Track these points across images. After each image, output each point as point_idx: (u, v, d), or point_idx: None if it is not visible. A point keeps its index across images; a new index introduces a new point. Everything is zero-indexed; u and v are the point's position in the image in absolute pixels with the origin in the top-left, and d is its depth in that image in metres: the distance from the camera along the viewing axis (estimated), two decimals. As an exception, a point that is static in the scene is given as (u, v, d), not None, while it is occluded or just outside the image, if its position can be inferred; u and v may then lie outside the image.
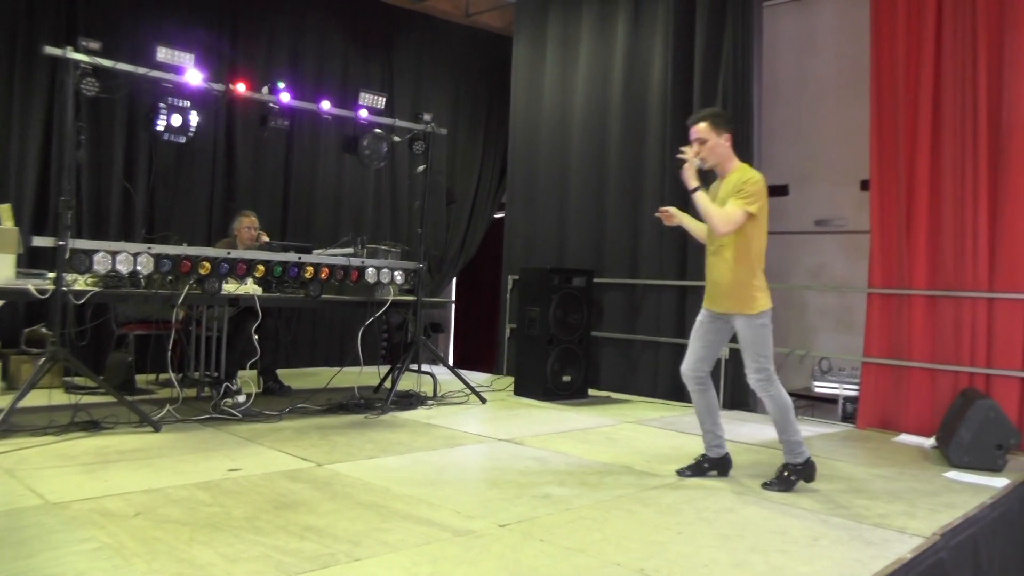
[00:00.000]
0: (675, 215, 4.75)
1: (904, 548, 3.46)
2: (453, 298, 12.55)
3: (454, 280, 12.05)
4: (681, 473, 4.74)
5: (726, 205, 4.40)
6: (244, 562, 2.97)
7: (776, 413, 4.46)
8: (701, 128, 4.53)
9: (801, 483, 4.49)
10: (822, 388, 7.45)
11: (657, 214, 4.84)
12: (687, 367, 4.69)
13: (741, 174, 4.48)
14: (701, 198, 4.41)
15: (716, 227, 4.39)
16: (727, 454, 4.80)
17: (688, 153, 4.50)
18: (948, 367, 6.22)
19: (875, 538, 3.61)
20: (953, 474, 5.00)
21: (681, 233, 7.97)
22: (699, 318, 4.69)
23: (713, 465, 4.76)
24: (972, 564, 3.89)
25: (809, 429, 6.59)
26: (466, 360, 12.21)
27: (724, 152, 4.55)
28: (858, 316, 7.48)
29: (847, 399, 7.26)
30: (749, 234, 4.42)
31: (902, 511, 4.08)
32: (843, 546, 3.48)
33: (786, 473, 4.49)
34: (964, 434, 5.19)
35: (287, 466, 4.53)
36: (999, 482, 4.79)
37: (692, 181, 4.44)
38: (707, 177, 4.62)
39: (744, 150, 7.51)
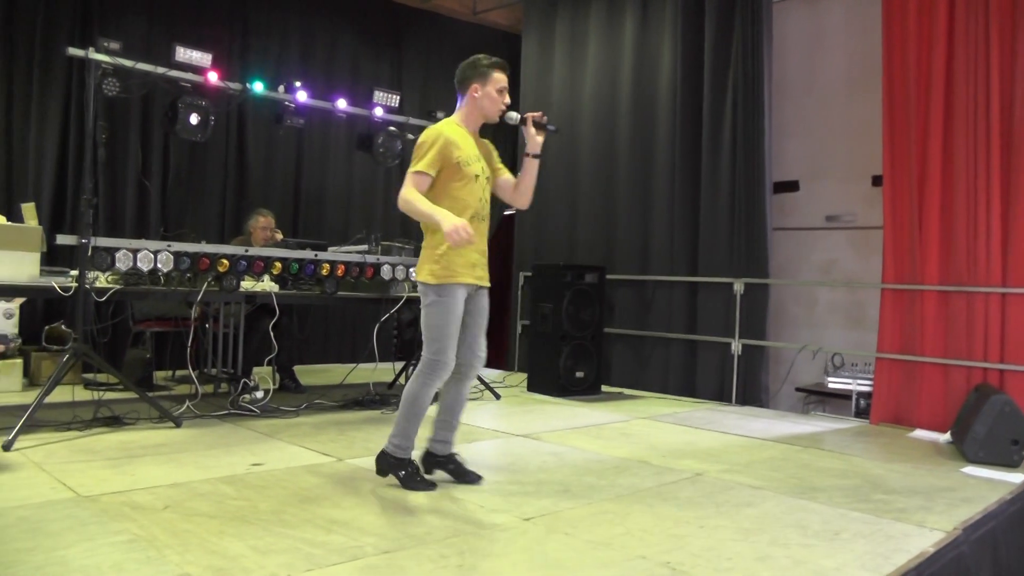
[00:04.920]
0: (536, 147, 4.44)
1: (925, 542, 3.48)
2: (463, 295, 12.49)
3: (464, 277, 12.00)
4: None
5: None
6: (274, 554, 3.01)
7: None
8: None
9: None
10: (835, 384, 7.47)
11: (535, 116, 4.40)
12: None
13: None
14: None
15: (525, 203, 4.50)
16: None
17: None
18: (961, 362, 6.23)
19: (896, 532, 3.64)
20: (969, 469, 5.02)
21: (692, 229, 8.16)
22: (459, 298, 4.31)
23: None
24: (991, 558, 3.91)
25: (823, 424, 6.63)
26: (476, 357, 12.18)
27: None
28: (868, 312, 7.52)
29: (860, 394, 7.28)
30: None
31: (920, 506, 4.10)
32: (864, 540, 3.50)
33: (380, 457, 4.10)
34: (979, 429, 5.20)
35: (308, 461, 4.58)
36: (1016, 477, 4.80)
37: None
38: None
39: (755, 146, 7.59)
